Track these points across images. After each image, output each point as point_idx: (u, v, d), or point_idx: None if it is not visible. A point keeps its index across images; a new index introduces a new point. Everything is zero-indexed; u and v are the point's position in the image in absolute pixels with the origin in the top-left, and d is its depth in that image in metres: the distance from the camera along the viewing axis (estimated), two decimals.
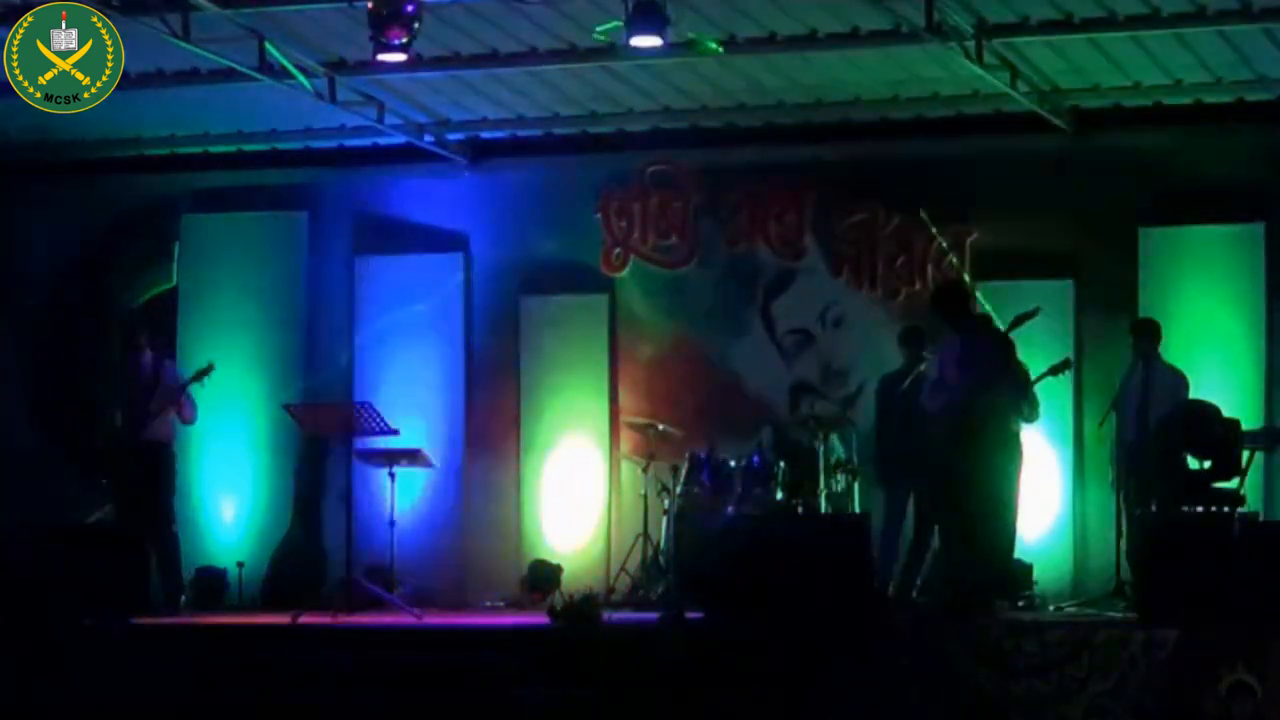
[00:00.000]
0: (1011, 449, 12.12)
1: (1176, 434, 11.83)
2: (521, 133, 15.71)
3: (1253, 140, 14.45)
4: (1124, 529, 13.35)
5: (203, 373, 13.56)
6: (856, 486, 14.39)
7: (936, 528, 12.53)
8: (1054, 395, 14.18)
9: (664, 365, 15.58)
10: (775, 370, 15.36)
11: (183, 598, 13.41)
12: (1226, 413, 12.86)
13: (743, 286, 15.53)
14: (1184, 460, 12.50)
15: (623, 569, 14.87)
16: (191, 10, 12.47)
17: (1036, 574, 13.96)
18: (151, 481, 13.35)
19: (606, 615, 10.33)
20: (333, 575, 14.51)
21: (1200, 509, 11.12)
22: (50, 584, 11.11)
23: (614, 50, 13.15)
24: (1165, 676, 9.42)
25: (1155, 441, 12.88)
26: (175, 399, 13.34)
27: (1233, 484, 12.58)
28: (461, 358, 15.88)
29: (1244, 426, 13.05)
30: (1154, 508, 12.50)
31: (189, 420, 13.57)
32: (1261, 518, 12.92)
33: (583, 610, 9.98)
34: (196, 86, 14.19)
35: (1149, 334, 13.68)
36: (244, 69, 13.28)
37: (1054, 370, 13.34)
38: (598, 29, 12.42)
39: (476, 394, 15.88)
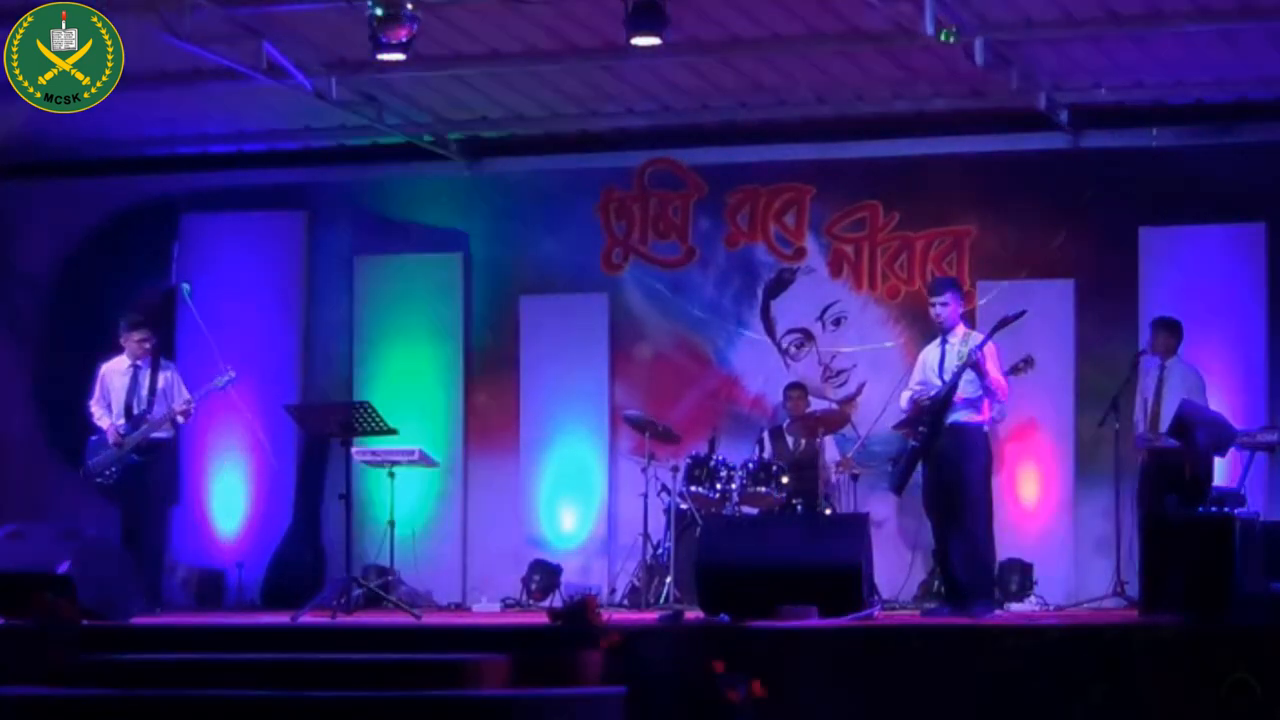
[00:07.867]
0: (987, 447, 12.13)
1: (1176, 434, 11.85)
2: (521, 132, 15.72)
3: (1253, 140, 14.45)
4: (1123, 528, 13.36)
5: (225, 381, 13.56)
6: (856, 486, 14.42)
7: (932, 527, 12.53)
8: (1054, 395, 14.18)
9: (663, 365, 15.58)
10: (775, 370, 15.36)
11: (158, 607, 13.41)
12: (1228, 413, 12.85)
13: (743, 286, 15.54)
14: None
15: (622, 569, 14.88)
16: (191, 10, 12.48)
17: (1036, 574, 13.97)
18: (149, 481, 13.33)
19: (606, 615, 10.30)
20: (333, 575, 14.50)
21: (1200, 509, 11.13)
22: (50, 584, 11.09)
23: (614, 49, 13.18)
24: (1165, 676, 9.42)
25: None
26: (185, 408, 13.39)
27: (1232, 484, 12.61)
28: (461, 358, 15.88)
29: (1244, 426, 13.06)
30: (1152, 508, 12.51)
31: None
32: (1261, 518, 12.92)
33: (583, 610, 9.95)
34: (196, 86, 14.20)
35: (1171, 332, 13.65)
36: (244, 69, 13.28)
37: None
38: None
39: (476, 394, 15.89)
